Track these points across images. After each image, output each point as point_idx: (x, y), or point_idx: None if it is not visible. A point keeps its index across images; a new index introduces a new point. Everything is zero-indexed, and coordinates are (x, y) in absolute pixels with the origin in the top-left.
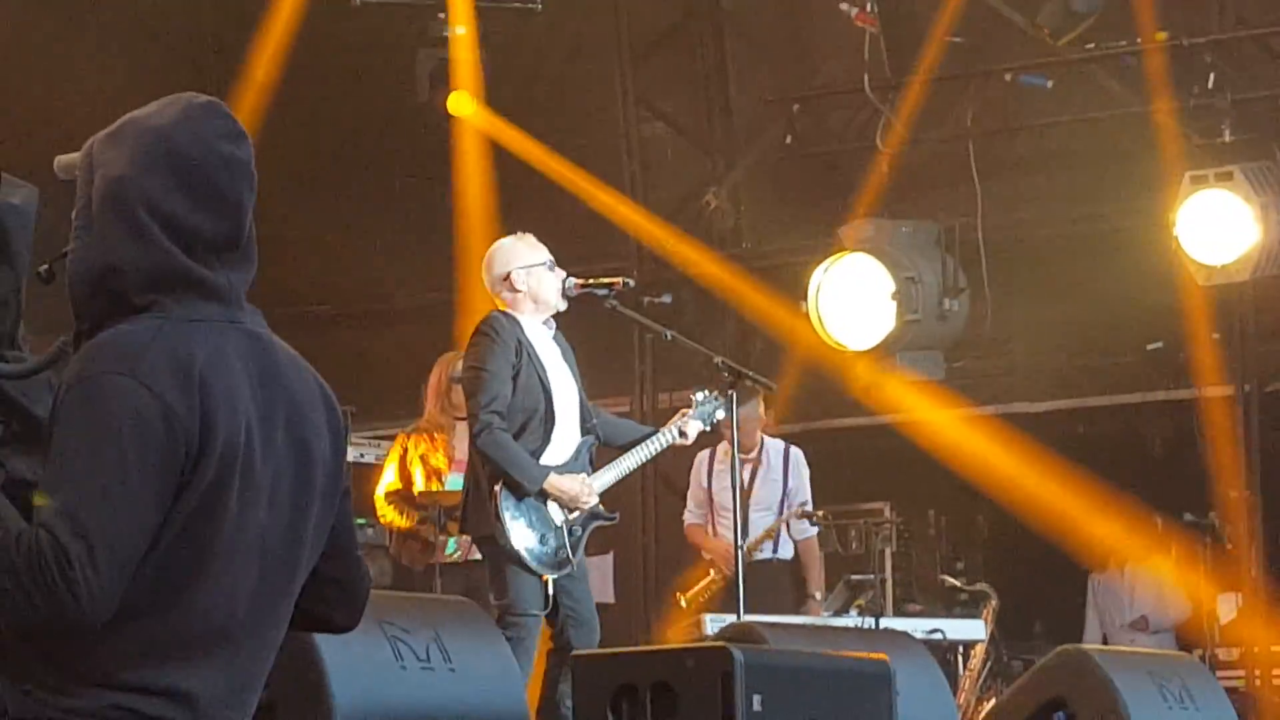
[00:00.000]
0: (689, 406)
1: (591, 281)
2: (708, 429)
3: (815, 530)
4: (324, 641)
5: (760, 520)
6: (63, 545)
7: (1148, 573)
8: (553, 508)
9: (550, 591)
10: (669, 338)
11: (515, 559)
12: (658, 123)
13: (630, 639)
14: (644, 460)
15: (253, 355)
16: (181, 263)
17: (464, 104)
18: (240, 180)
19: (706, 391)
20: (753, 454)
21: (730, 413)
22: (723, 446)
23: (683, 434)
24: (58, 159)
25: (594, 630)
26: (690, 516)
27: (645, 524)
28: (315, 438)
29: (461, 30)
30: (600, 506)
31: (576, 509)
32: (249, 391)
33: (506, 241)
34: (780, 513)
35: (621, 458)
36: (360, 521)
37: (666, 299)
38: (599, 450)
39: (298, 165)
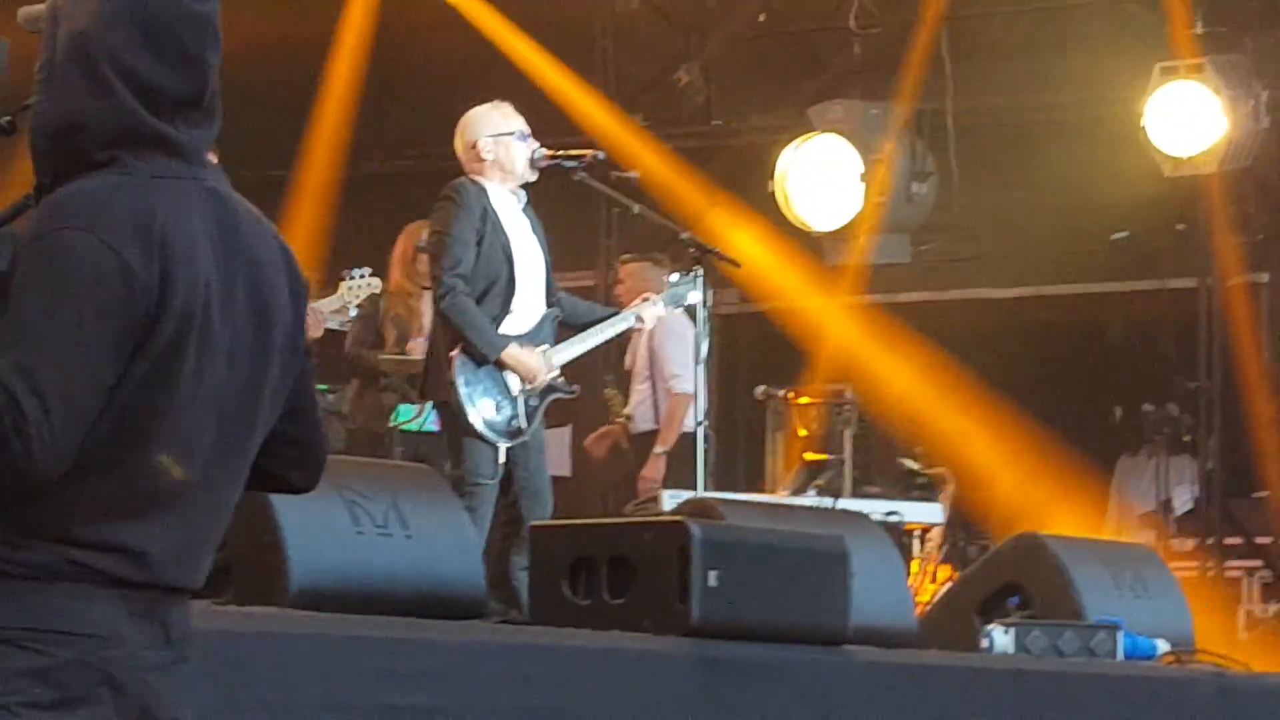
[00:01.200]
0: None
1: (561, 153)
2: (677, 311)
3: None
4: (281, 504)
5: (647, 395)
6: (17, 400)
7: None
8: (510, 376)
9: (502, 460)
10: (636, 211)
11: (468, 425)
12: None
13: (586, 513)
14: (604, 340)
15: (214, 213)
16: (144, 119)
17: None
18: (206, 38)
19: (680, 274)
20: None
21: (703, 292)
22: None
23: (640, 319)
24: (22, 11)
25: (547, 503)
26: (684, 385)
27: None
28: (275, 297)
29: None
30: (560, 379)
31: (533, 384)
32: (209, 249)
33: (479, 110)
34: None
35: (583, 334)
36: (323, 388)
37: (634, 174)
38: (559, 329)
39: (264, 30)
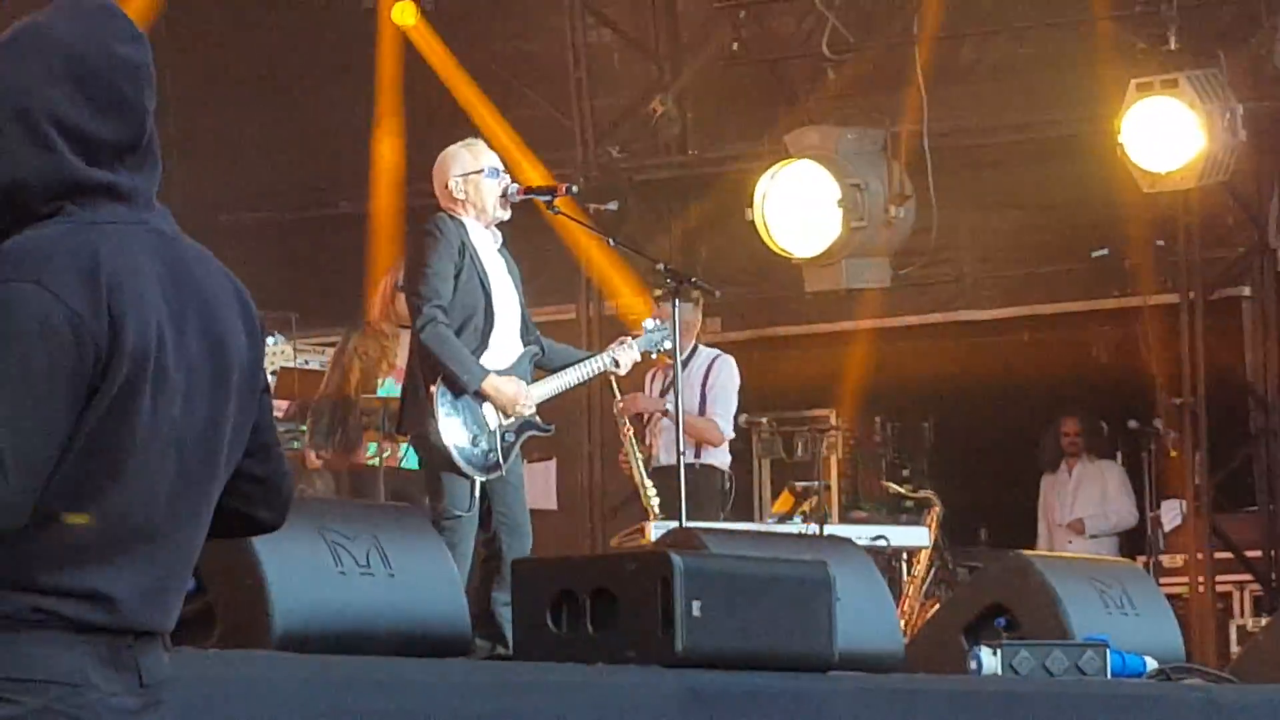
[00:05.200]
0: (636, 316)
1: (535, 187)
2: (653, 357)
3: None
4: (263, 546)
5: (669, 427)
6: None
7: (1094, 475)
8: (488, 410)
9: (478, 494)
10: (612, 244)
11: (445, 457)
12: (604, 29)
13: (572, 547)
14: (582, 380)
15: (161, 254)
16: (86, 172)
17: (407, 14)
18: (142, 83)
19: (658, 320)
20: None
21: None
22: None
23: (616, 363)
24: None
25: (526, 537)
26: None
27: (590, 432)
28: (229, 334)
29: None
30: (536, 417)
31: (512, 414)
32: (159, 290)
33: (451, 149)
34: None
35: (561, 372)
36: (303, 428)
37: (613, 206)
38: (535, 369)
39: (237, 69)
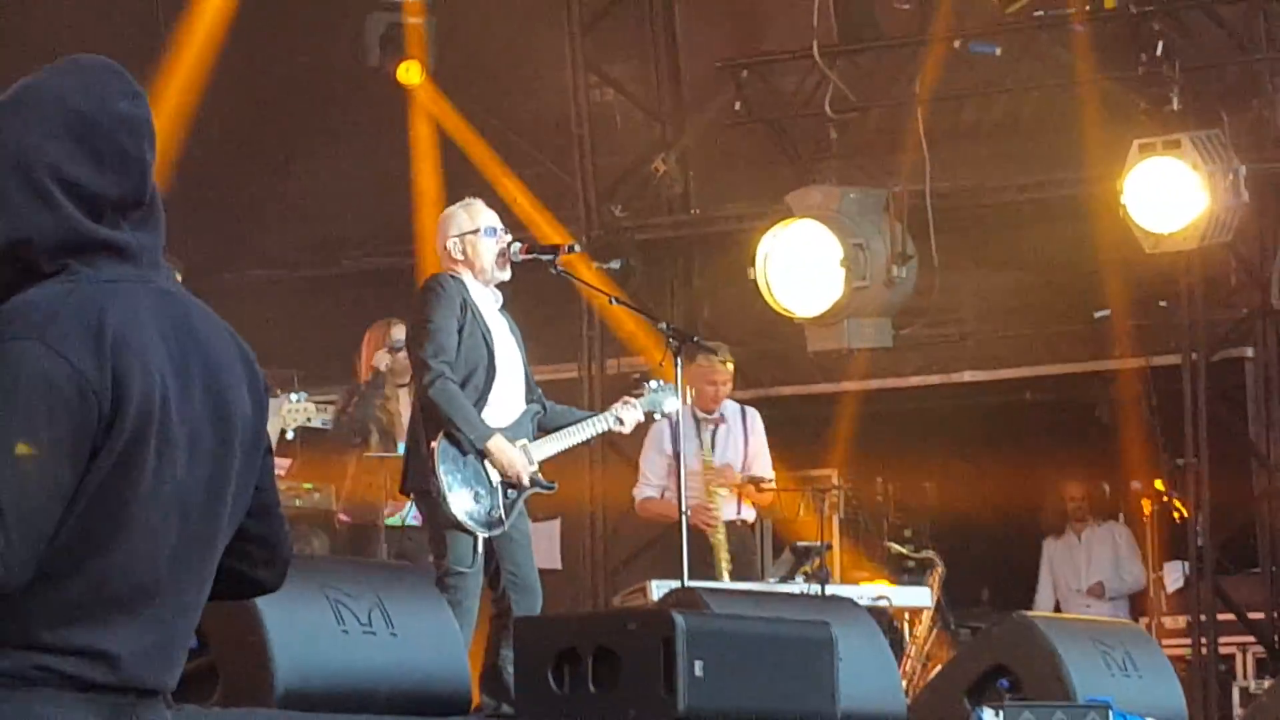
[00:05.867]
0: (639, 376)
1: (537, 246)
2: (657, 418)
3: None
4: (266, 606)
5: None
6: None
7: (1104, 538)
8: (491, 468)
9: (481, 550)
10: (612, 303)
11: (448, 514)
12: (607, 89)
13: (577, 605)
14: (584, 439)
15: (166, 314)
16: (90, 228)
17: (413, 73)
18: (142, 138)
19: (660, 381)
20: (714, 414)
21: (675, 389)
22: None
23: (620, 421)
24: None
25: (536, 595)
26: (646, 490)
27: (593, 491)
28: (233, 394)
29: None
30: (539, 474)
31: (509, 478)
32: (163, 350)
33: (449, 210)
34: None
35: (563, 431)
36: (307, 486)
37: (616, 265)
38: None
39: (242, 127)
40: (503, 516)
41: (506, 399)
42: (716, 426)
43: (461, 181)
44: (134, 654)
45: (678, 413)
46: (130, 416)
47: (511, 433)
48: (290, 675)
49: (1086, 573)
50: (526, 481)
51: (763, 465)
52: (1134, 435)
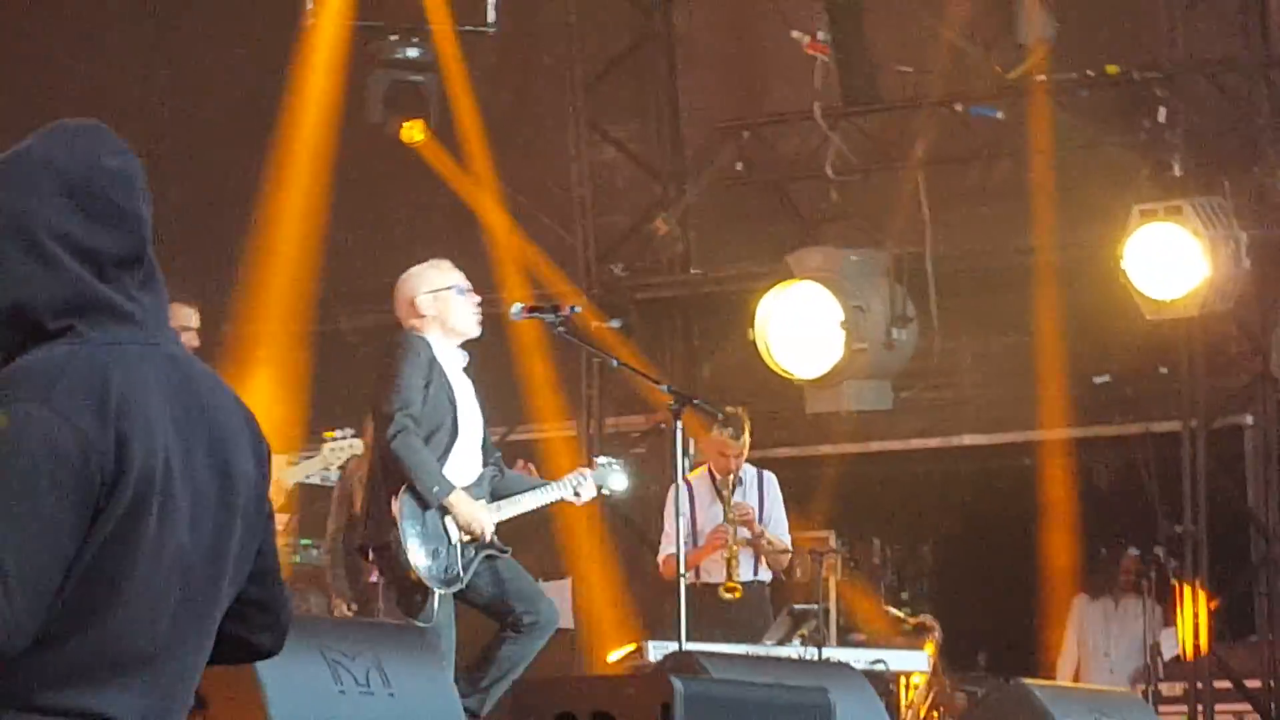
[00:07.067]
0: (638, 434)
1: (538, 306)
2: (605, 493)
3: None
4: (264, 664)
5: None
6: None
7: (1138, 610)
8: (450, 524)
9: (436, 606)
10: (615, 365)
11: (405, 569)
12: (608, 147)
13: (568, 665)
14: (540, 505)
15: (171, 378)
16: (92, 286)
17: (415, 132)
18: (134, 192)
19: (610, 459)
20: (730, 478)
21: (624, 468)
22: (699, 477)
23: (577, 494)
24: None
25: (544, 597)
26: (670, 548)
27: (583, 549)
28: (237, 459)
29: (414, 53)
30: (495, 537)
31: (472, 534)
32: (167, 413)
33: (416, 268)
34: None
35: (520, 496)
36: (305, 542)
37: (616, 323)
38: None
39: (240, 183)
40: (460, 574)
41: (467, 459)
42: (734, 488)
43: (466, 237)
44: (133, 717)
45: (687, 479)
46: (133, 480)
47: (470, 493)
48: None
49: (1130, 641)
50: (488, 537)
51: (777, 528)
52: (1133, 501)
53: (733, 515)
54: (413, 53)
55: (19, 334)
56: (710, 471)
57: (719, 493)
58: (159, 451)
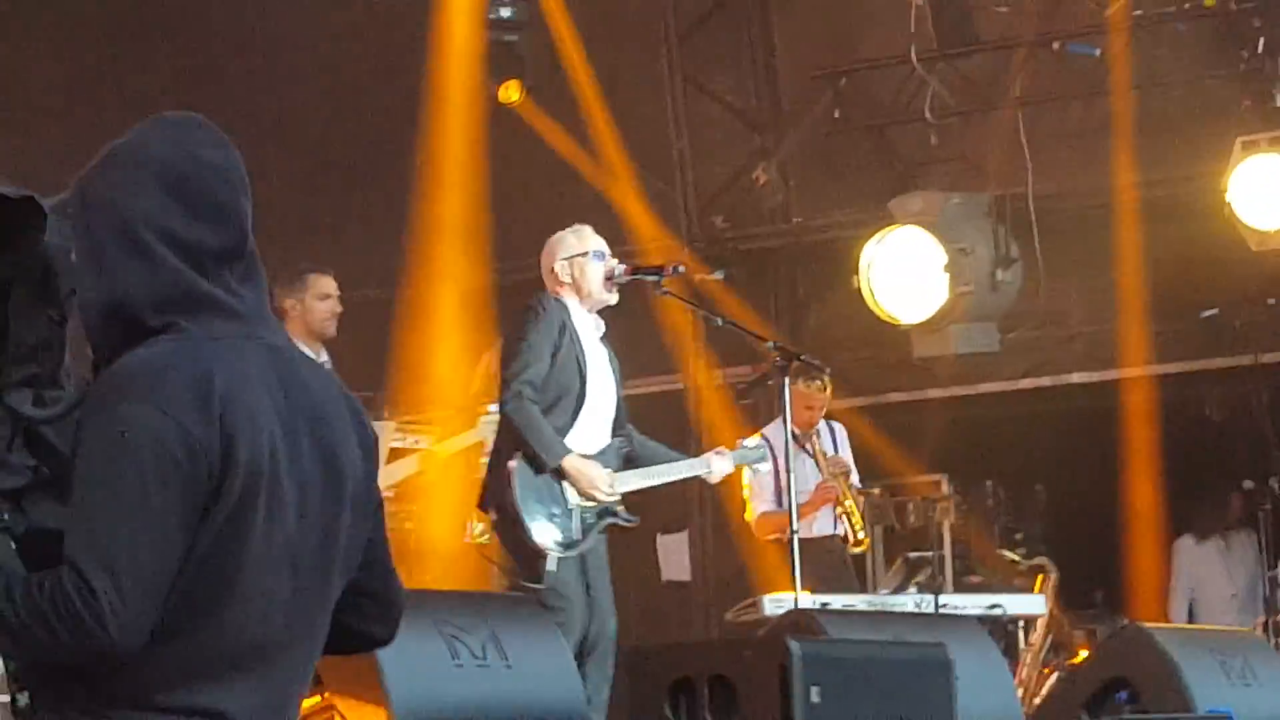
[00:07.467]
0: (743, 385)
1: (641, 267)
2: (752, 471)
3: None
4: None
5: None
6: (87, 580)
7: (1247, 544)
8: (568, 489)
9: (554, 568)
10: (720, 324)
11: (524, 533)
12: (706, 99)
13: (685, 623)
14: (673, 479)
15: (273, 369)
16: (192, 280)
17: (512, 92)
18: (234, 186)
19: (755, 440)
20: (811, 432)
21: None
22: (774, 431)
23: (710, 470)
24: (47, 203)
25: (610, 618)
26: (761, 506)
27: (702, 505)
28: (343, 448)
29: (508, 13)
30: (620, 507)
31: (591, 497)
32: (271, 406)
33: (557, 234)
34: None
35: (652, 469)
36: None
37: (719, 275)
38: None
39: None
40: (577, 538)
41: (593, 428)
42: (814, 444)
43: (571, 195)
44: (248, 712)
45: (788, 429)
46: (240, 474)
47: (592, 460)
48: (405, 711)
49: (1237, 578)
50: (604, 496)
51: (853, 477)
52: (1246, 434)
53: (830, 470)
54: (505, 12)
55: (120, 330)
56: (792, 428)
57: (802, 446)
58: (264, 445)
